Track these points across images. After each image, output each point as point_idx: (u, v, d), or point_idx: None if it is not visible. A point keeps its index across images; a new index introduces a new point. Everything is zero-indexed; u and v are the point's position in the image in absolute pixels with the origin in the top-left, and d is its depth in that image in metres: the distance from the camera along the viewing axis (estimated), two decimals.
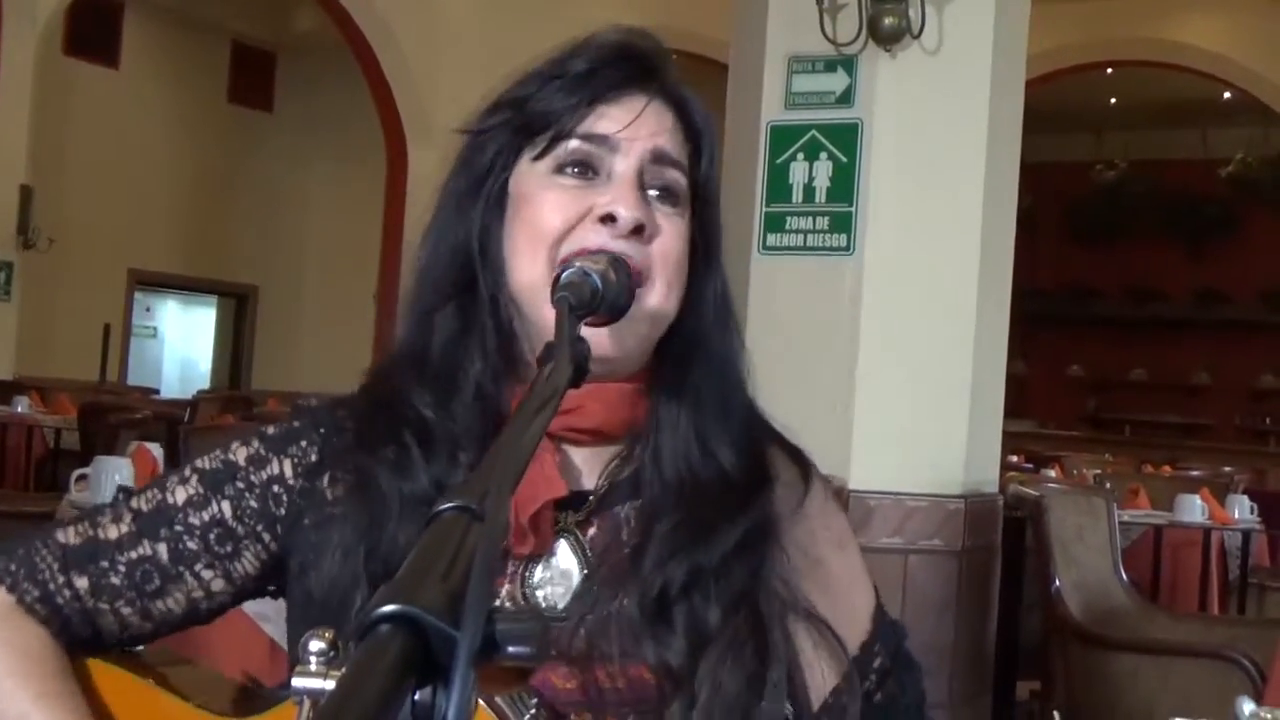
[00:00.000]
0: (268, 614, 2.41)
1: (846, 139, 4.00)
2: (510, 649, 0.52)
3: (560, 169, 1.07)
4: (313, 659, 0.61)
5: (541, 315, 1.05)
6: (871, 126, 3.98)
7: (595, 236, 1.04)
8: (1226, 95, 14.06)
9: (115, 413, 7.05)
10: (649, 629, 1.01)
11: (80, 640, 1.08)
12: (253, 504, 1.10)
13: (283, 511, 1.10)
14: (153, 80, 14.16)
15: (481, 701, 0.91)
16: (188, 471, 1.12)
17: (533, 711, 0.96)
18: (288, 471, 1.11)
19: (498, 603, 1.03)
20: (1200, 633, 4.24)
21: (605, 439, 1.11)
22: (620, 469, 1.11)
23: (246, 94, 15.19)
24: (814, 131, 4.04)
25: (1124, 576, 4.42)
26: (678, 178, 1.09)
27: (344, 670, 0.49)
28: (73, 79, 13.20)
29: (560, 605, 1.05)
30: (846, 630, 1.09)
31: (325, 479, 1.10)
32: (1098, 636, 4.04)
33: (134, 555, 1.08)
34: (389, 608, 0.49)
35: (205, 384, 15.03)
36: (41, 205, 12.21)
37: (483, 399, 1.09)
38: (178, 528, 1.09)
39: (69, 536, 1.10)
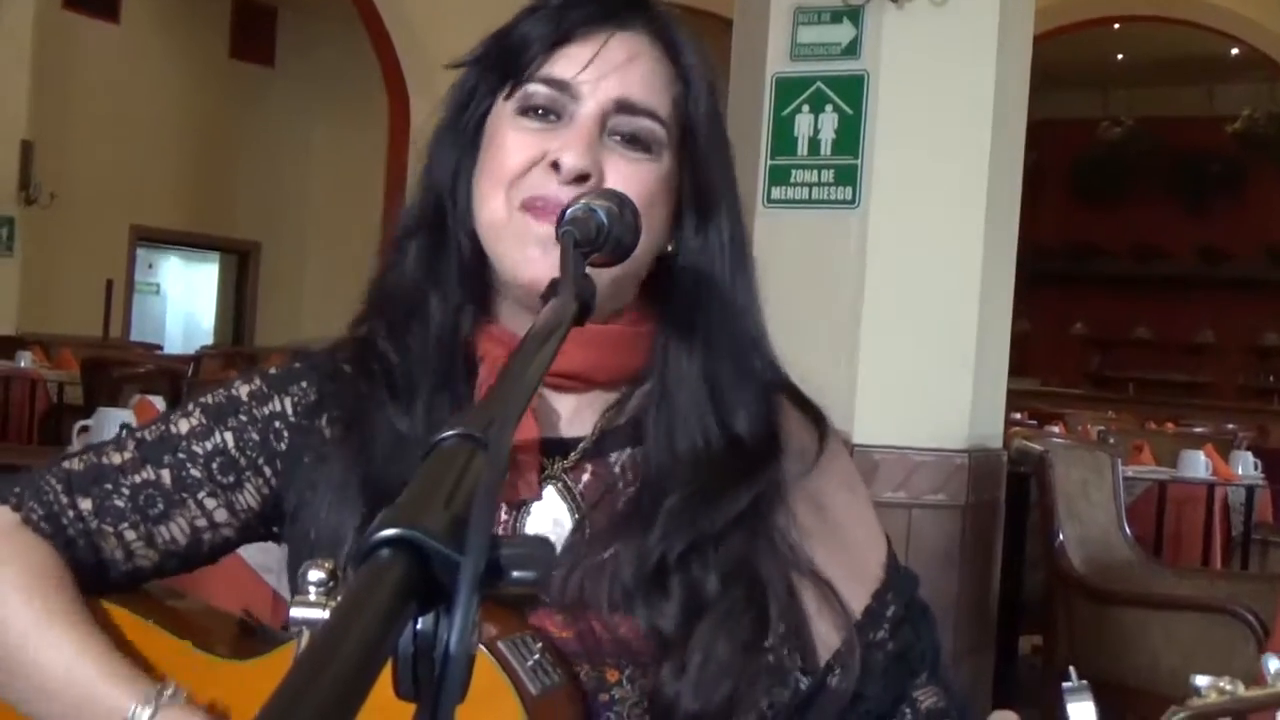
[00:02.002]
0: (270, 565, 2.41)
1: (852, 91, 3.97)
2: (515, 574, 0.51)
3: (524, 111, 1.06)
4: (311, 589, 0.60)
5: (501, 256, 1.05)
6: (877, 79, 3.95)
7: (545, 184, 1.03)
8: (1234, 51, 13.97)
9: (118, 367, 7.05)
10: (643, 592, 1.00)
11: (84, 566, 1.08)
12: (254, 437, 1.10)
13: (283, 447, 1.11)
14: (153, 35, 14.08)
15: (483, 648, 0.90)
16: (190, 405, 1.12)
17: (537, 656, 0.95)
18: (288, 409, 1.12)
19: None
20: (1203, 587, 4.25)
21: (591, 385, 1.09)
22: (614, 417, 1.10)
23: (248, 49, 15.12)
24: (819, 83, 4.01)
25: (1127, 532, 4.43)
26: (649, 126, 1.06)
27: (342, 595, 0.48)
28: (73, 34, 13.12)
29: None
30: (858, 581, 1.08)
31: (324, 419, 1.11)
32: (1101, 591, 4.05)
33: (137, 479, 1.09)
34: (389, 531, 0.48)
35: (208, 340, 15.03)
36: (43, 161, 12.19)
37: (444, 335, 1.08)
38: (181, 455, 1.09)
39: (74, 464, 1.11)
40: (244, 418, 1.11)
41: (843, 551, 1.09)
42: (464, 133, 1.10)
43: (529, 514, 1.07)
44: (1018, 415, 8.25)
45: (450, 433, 0.55)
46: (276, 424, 1.11)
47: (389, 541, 0.48)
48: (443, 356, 1.08)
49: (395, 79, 12.13)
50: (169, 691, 0.99)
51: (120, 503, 1.08)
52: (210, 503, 1.10)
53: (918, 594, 1.14)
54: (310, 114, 15.17)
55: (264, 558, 2.40)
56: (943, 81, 4.00)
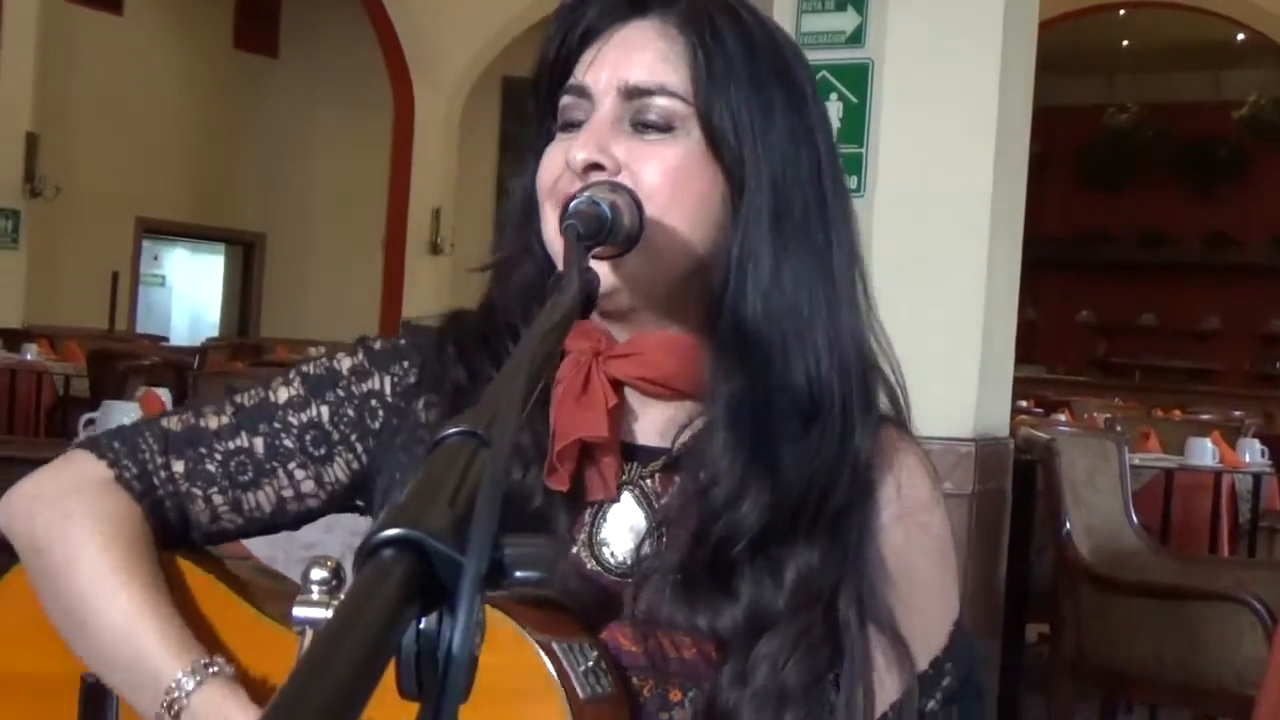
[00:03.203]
0: (276, 557, 2.41)
1: (857, 79, 3.96)
2: (518, 574, 0.51)
3: (564, 127, 1.05)
4: (314, 587, 0.60)
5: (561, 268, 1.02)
6: (883, 67, 3.94)
7: (572, 184, 1.01)
8: (1240, 37, 13.93)
9: (124, 359, 7.05)
10: (705, 591, 0.97)
11: (168, 525, 1.09)
12: (350, 413, 1.11)
13: (377, 426, 1.11)
14: (157, 26, 14.08)
15: (537, 646, 0.89)
16: (291, 374, 1.13)
17: (590, 664, 0.93)
18: (387, 389, 1.12)
19: (575, 552, 1.03)
20: (1210, 575, 4.24)
21: (678, 395, 1.04)
22: (701, 433, 1.03)
23: (251, 40, 15.11)
24: (824, 72, 3.99)
25: (1134, 519, 4.42)
26: (662, 104, 1.00)
27: (344, 595, 0.48)
28: (77, 26, 13.12)
29: (628, 561, 1.03)
30: (922, 640, 1.04)
31: (420, 402, 1.11)
32: (1108, 579, 4.04)
33: (231, 446, 1.10)
34: (391, 531, 0.48)
35: (214, 332, 15.04)
36: (47, 153, 12.19)
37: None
38: (276, 424, 1.10)
39: (172, 424, 1.11)
40: (341, 393, 1.11)
41: (913, 605, 1.04)
42: (536, 156, 1.08)
43: (605, 518, 1.05)
44: (1024, 403, 8.24)
45: (452, 430, 0.55)
46: (373, 402, 1.11)
47: (391, 541, 0.48)
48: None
49: (399, 68, 12.13)
50: (216, 666, 0.99)
51: (212, 467, 1.09)
52: (299, 474, 1.10)
53: (976, 673, 1.09)
54: (314, 104, 15.17)
55: (273, 549, 2.41)
56: (947, 69, 3.99)
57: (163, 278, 16.26)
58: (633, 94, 1.02)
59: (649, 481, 1.05)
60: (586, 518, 1.05)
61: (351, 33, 13.34)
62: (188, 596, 1.07)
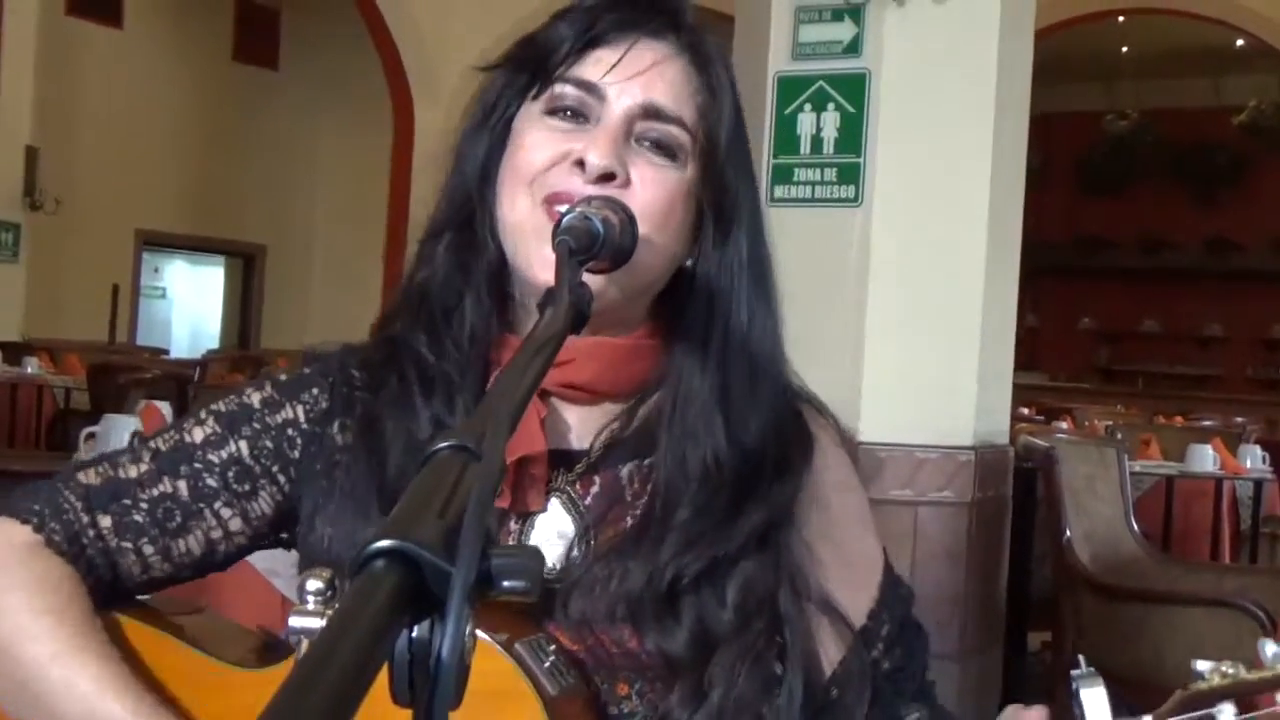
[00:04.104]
0: (278, 570, 2.42)
1: (854, 89, 3.97)
2: (505, 583, 0.52)
3: (552, 111, 1.07)
4: (310, 598, 0.62)
5: (521, 256, 1.05)
6: (879, 76, 3.95)
7: (568, 180, 1.04)
8: (1239, 43, 13.95)
9: (124, 372, 7.07)
10: (653, 613, 1.00)
11: (101, 582, 1.08)
12: (268, 444, 1.11)
13: (296, 455, 1.12)
14: (157, 39, 14.10)
15: (500, 648, 0.91)
16: (203, 414, 1.13)
17: (551, 660, 0.96)
18: (300, 417, 1.13)
19: None
20: (1212, 582, 4.25)
21: (601, 397, 1.10)
22: (621, 430, 1.10)
23: (252, 52, 15.14)
24: (821, 82, 4.01)
25: (1135, 527, 4.43)
26: (674, 133, 1.06)
27: (337, 606, 0.49)
28: (76, 39, 13.15)
29: (557, 566, 1.05)
30: (854, 598, 1.09)
31: (335, 426, 1.12)
32: (1109, 587, 4.05)
33: (155, 493, 1.09)
34: (383, 543, 0.49)
35: (214, 344, 15.06)
36: (47, 167, 12.21)
37: (476, 341, 1.09)
38: (197, 465, 1.10)
39: (90, 477, 1.11)
40: (257, 425, 1.12)
41: (843, 566, 1.10)
42: (492, 133, 1.10)
43: (534, 526, 1.08)
44: (1025, 410, 8.25)
45: (443, 444, 0.56)
46: (289, 431, 1.12)
47: (383, 553, 0.49)
48: (476, 360, 1.09)
49: (399, 81, 12.14)
50: None
51: (139, 518, 1.08)
52: (226, 512, 1.10)
53: (911, 612, 1.15)
54: (314, 116, 15.19)
55: (272, 562, 2.41)
56: (945, 78, 4.00)
57: (163, 290, 16.28)
58: (652, 114, 1.06)
59: (575, 486, 1.08)
60: (513, 525, 1.07)
61: (351, 45, 13.35)
62: (136, 653, 1.06)
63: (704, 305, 1.09)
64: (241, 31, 15.11)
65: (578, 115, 1.06)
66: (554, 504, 1.07)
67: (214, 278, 16.24)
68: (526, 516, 1.07)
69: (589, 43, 1.07)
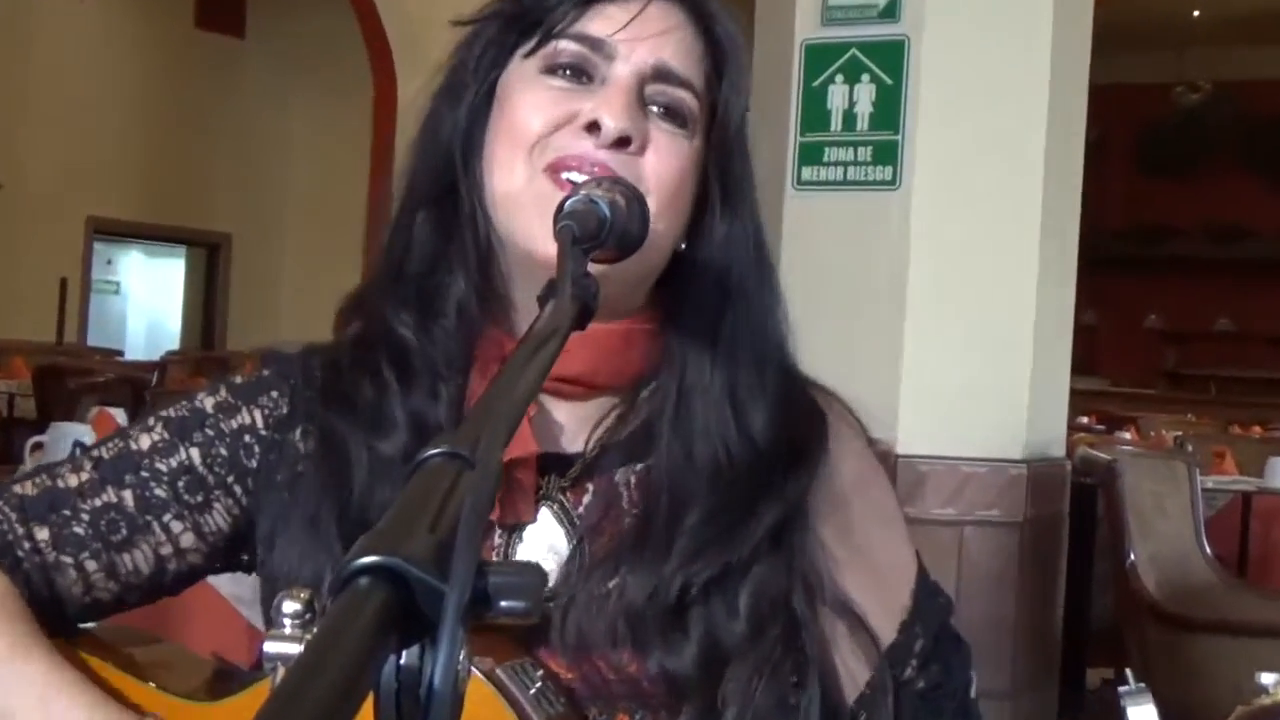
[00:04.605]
0: (244, 596, 2.43)
1: (891, 58, 3.98)
2: (503, 604, 0.53)
3: (550, 70, 1.08)
4: (286, 621, 0.62)
5: (516, 229, 1.06)
6: (919, 44, 3.95)
7: (577, 144, 1.05)
8: None
9: (74, 376, 7.09)
10: (659, 630, 1.01)
11: (39, 602, 1.08)
12: (223, 452, 1.12)
13: (254, 464, 1.12)
14: (110, 5, 14.13)
15: (480, 675, 0.92)
16: (151, 420, 1.14)
17: (538, 685, 0.97)
18: (258, 422, 1.14)
19: None
20: None
21: (593, 391, 1.11)
22: (617, 428, 1.11)
23: (216, 18, 15.15)
24: (854, 50, 4.01)
25: (1207, 549, 4.42)
26: (684, 98, 1.08)
27: (317, 628, 0.50)
28: (21, 4, 13.17)
29: (548, 584, 1.05)
30: (884, 610, 1.10)
31: (297, 432, 1.12)
32: (1178, 616, 4.04)
33: (98, 503, 1.10)
34: (369, 558, 0.50)
35: (174, 344, 15.07)
36: None
37: (465, 323, 1.09)
38: (144, 474, 1.11)
39: (25, 489, 1.11)
40: (210, 431, 1.12)
41: (870, 575, 1.10)
42: (476, 95, 1.11)
43: (522, 539, 1.08)
44: (1083, 419, 8.24)
45: (435, 451, 0.57)
46: (246, 438, 1.13)
47: (368, 569, 0.49)
48: (463, 348, 1.09)
49: (380, 50, 12.14)
50: None
51: (80, 530, 1.09)
52: (176, 525, 1.11)
53: (949, 623, 1.15)
54: (286, 89, 15.20)
55: (237, 588, 2.42)
56: (993, 46, 4.01)
57: (117, 284, 16.31)
58: (663, 77, 1.08)
59: (567, 494, 1.09)
60: (498, 539, 1.08)
61: (328, 9, 13.36)
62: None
63: (710, 287, 1.11)
64: None
65: (580, 74, 1.07)
66: (544, 514, 1.08)
67: (173, 270, 16.26)
68: (513, 528, 1.08)
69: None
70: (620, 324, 1.09)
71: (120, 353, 13.11)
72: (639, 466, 1.09)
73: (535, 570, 0.54)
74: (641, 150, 1.06)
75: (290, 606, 0.63)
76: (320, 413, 1.11)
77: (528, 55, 1.09)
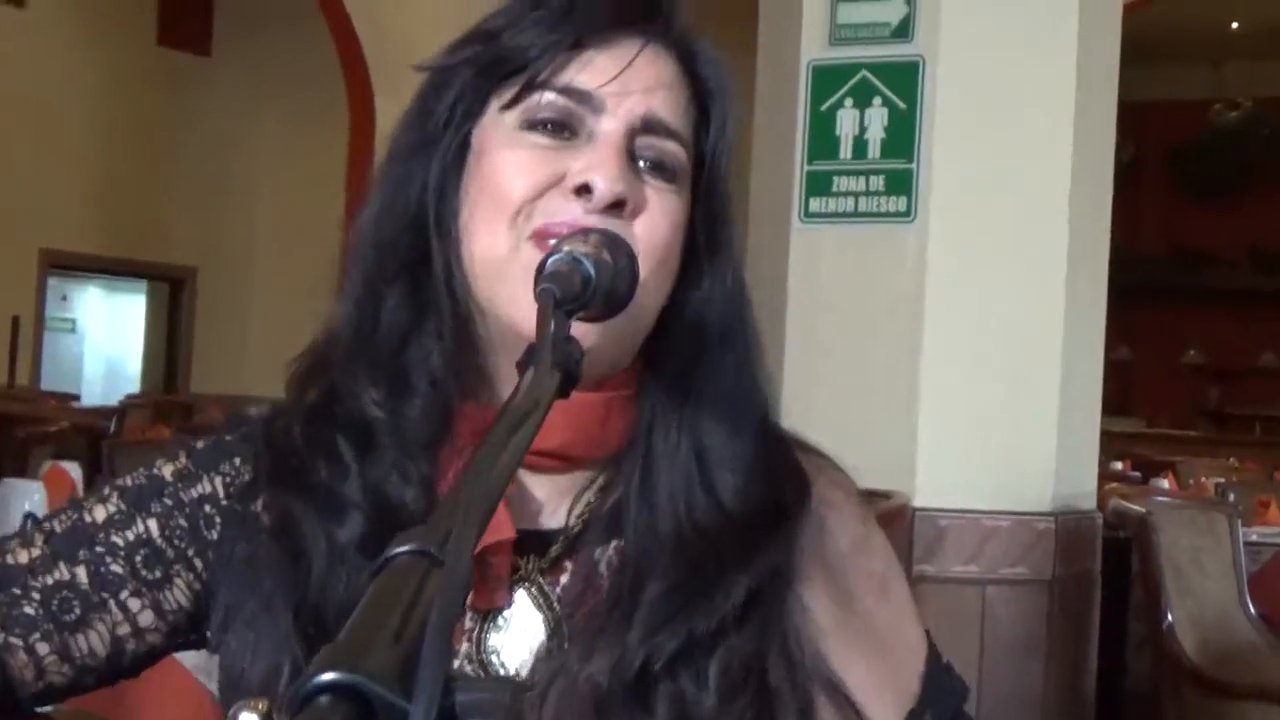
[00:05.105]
0: (208, 668, 2.43)
1: (905, 80, 3.99)
2: None
3: (531, 125, 1.08)
4: None
5: (500, 299, 1.06)
6: (935, 64, 3.97)
7: (566, 209, 1.05)
8: None
9: (25, 424, 7.07)
10: (622, 708, 1.01)
11: None
12: (182, 523, 1.12)
13: (215, 535, 1.13)
14: (66, 21, 14.16)
15: None
16: (106, 490, 1.14)
17: None
18: (220, 491, 1.14)
19: (456, 665, 1.05)
20: None
21: (574, 464, 1.11)
22: (599, 503, 1.11)
23: (179, 34, 15.19)
24: (865, 72, 4.03)
25: (1251, 609, 4.41)
26: (674, 150, 1.09)
27: None
28: None
29: (524, 671, 1.06)
30: (887, 695, 1.09)
31: (259, 503, 1.12)
32: (1219, 682, 4.03)
33: (50, 580, 1.10)
34: (329, 675, 0.50)
35: (134, 387, 15.06)
36: None
37: (440, 397, 1.09)
38: (99, 548, 1.11)
39: None
40: (169, 501, 1.13)
41: (871, 655, 1.10)
42: (446, 151, 1.11)
43: (496, 625, 1.08)
44: (1117, 465, 8.22)
45: (401, 549, 0.57)
46: (207, 507, 1.13)
47: (328, 687, 0.50)
48: (432, 424, 1.08)
49: (357, 72, 12.19)
50: None
51: (30, 610, 1.09)
52: (134, 603, 1.11)
53: (964, 711, 1.15)
54: (255, 111, 15.22)
55: (199, 658, 2.42)
56: (1014, 64, 4.02)
57: (73, 322, 16.31)
58: (652, 128, 1.08)
59: (545, 575, 1.09)
60: (469, 623, 1.08)
61: (299, 25, 13.40)
62: None
63: (685, 347, 1.11)
64: (167, 10, 15.17)
65: (563, 129, 1.07)
66: (520, 597, 1.08)
67: (134, 307, 16.26)
68: (488, 613, 1.08)
69: (576, 45, 1.08)
70: (601, 393, 1.09)
71: (76, 396, 13.09)
72: (618, 543, 1.10)
73: (506, 685, 0.54)
74: (635, 213, 1.06)
75: (247, 718, 0.63)
76: (274, 491, 1.10)
77: (506, 107, 1.09)
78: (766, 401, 1.15)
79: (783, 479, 1.12)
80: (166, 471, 1.14)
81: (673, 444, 1.09)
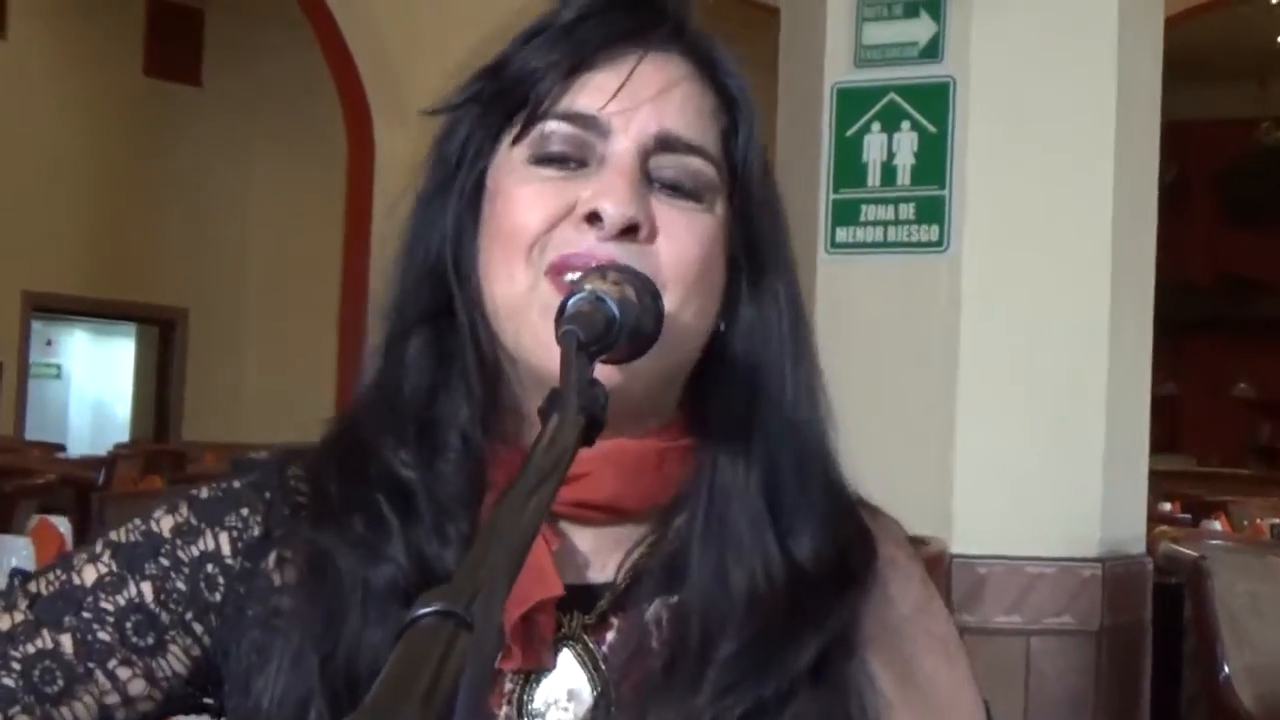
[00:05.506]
0: None
1: (935, 102, 4.00)
2: None
3: (539, 160, 1.08)
4: None
5: (524, 343, 1.06)
6: (966, 85, 3.98)
7: (580, 239, 1.05)
8: None
9: (9, 477, 7.07)
10: None
11: None
12: (180, 586, 1.10)
13: (218, 598, 1.11)
14: (47, 50, 14.22)
15: None
16: (99, 547, 1.12)
17: None
18: (224, 548, 1.12)
19: None
20: None
21: (624, 516, 1.10)
22: (648, 557, 1.11)
23: (167, 64, 15.25)
24: (893, 94, 4.04)
25: None
26: (697, 166, 1.08)
27: None
28: None
29: None
30: None
31: (271, 559, 1.11)
32: None
33: (31, 649, 1.08)
34: None
35: (123, 436, 15.07)
36: None
37: (472, 452, 1.09)
38: (86, 614, 1.09)
39: None
40: (166, 561, 1.11)
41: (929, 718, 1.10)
42: (461, 195, 1.11)
43: (538, 685, 1.08)
44: (1165, 506, 8.19)
45: (426, 609, 0.57)
46: (209, 567, 1.11)
47: None
48: (470, 479, 1.08)
49: (355, 100, 12.22)
50: None
51: (10, 681, 1.08)
52: (124, 672, 1.09)
53: None
54: (248, 145, 15.27)
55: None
56: (1050, 84, 4.03)
57: (58, 368, 16.36)
58: (669, 145, 1.08)
59: (589, 633, 1.09)
60: (510, 683, 1.07)
61: (293, 53, 13.46)
62: None
63: (743, 381, 1.10)
64: (155, 38, 15.23)
65: (571, 159, 1.08)
66: (564, 656, 1.08)
67: (122, 351, 16.30)
68: (529, 673, 1.07)
69: (577, 67, 1.08)
70: (651, 441, 1.09)
71: (62, 446, 13.11)
72: (673, 599, 1.09)
73: None
74: (652, 237, 1.06)
75: None
76: (309, 534, 1.09)
77: (515, 142, 1.09)
78: (831, 443, 1.14)
79: (852, 535, 1.12)
80: (165, 526, 1.12)
81: (740, 489, 1.09)
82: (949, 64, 4.00)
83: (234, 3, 15.09)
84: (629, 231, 1.04)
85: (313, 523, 1.10)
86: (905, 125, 4.02)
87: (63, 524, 4.08)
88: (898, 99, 4.03)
